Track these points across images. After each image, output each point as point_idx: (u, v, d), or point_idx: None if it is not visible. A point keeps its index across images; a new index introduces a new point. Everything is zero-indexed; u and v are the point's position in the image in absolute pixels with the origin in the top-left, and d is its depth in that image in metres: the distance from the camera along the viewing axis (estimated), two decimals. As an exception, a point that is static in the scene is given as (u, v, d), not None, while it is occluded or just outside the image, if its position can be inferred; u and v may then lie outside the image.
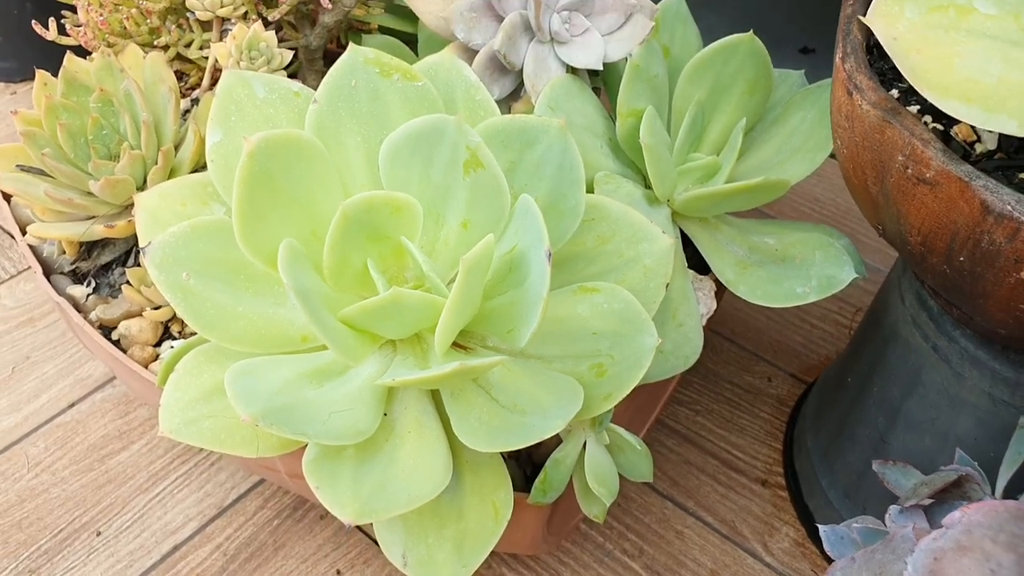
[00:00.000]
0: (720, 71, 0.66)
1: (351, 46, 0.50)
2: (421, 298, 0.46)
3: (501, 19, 0.59)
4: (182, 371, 0.49)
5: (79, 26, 0.65)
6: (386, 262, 0.50)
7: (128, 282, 0.63)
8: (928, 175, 0.49)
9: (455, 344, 0.51)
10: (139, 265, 0.64)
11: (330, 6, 0.62)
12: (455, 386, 0.49)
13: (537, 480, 0.54)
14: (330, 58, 0.69)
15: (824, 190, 1.10)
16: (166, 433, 0.46)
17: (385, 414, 0.49)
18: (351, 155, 0.51)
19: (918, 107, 0.53)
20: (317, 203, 0.49)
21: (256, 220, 0.46)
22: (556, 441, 0.57)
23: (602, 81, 0.66)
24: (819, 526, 0.57)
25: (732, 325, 0.95)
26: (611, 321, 0.51)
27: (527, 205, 0.47)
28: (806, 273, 0.62)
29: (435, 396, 0.51)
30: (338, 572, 0.73)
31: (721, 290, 0.68)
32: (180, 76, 0.82)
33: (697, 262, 0.67)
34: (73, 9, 0.66)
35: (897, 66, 0.44)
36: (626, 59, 0.62)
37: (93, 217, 0.63)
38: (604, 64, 0.61)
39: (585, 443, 0.54)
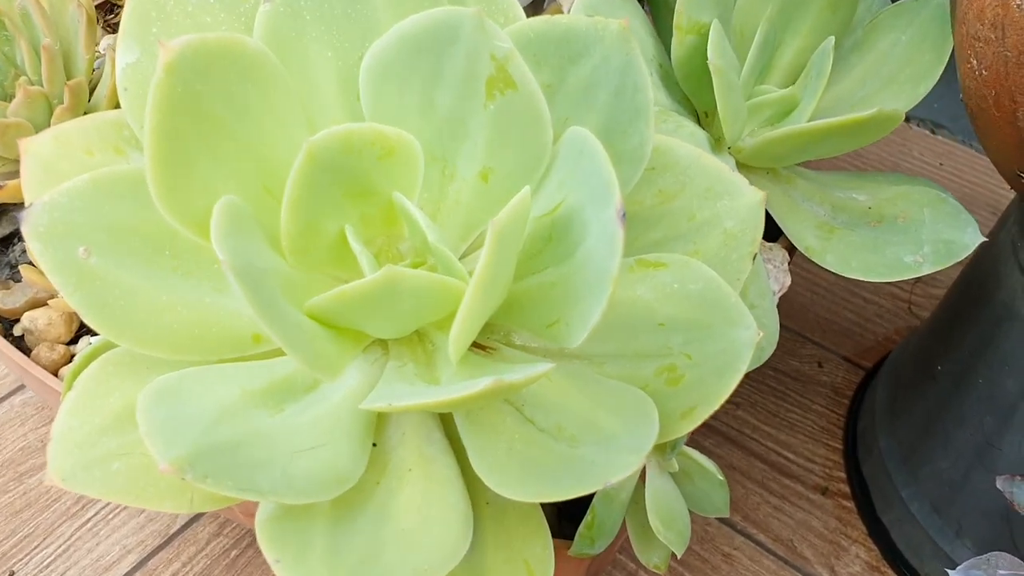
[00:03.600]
0: (795, -20, 0.51)
1: (318, -82, 0.35)
2: (428, 281, 0.31)
3: (519, -98, 0.44)
4: (81, 388, 0.34)
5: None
6: (372, 229, 0.35)
7: (29, 261, 0.48)
8: None
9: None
10: (42, 238, 0.49)
11: None
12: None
13: (583, 524, 0.39)
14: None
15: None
16: (56, 480, 0.32)
17: (374, 444, 0.35)
18: (319, 76, 0.36)
19: (1096, 9, 0.39)
20: (271, 144, 0.34)
21: (179, 166, 0.32)
22: (601, 466, 0.43)
23: (644, -6, 0.52)
24: (950, 573, 0.43)
25: (772, 302, 0.81)
26: (685, 307, 0.37)
27: (582, 141, 0.32)
28: (915, 237, 0.48)
29: (444, 416, 0.37)
30: (314, 616, 0.58)
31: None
32: (110, 7, 0.67)
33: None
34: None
35: None
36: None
37: (-19, 176, 0.48)
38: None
39: (644, 471, 0.40)
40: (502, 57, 0.32)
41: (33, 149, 0.38)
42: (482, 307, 0.31)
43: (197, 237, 0.33)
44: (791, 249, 0.53)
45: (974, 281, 0.58)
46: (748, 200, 0.39)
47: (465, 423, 0.35)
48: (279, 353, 0.36)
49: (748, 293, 0.49)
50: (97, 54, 0.49)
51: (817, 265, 0.52)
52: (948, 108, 0.95)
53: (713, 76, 0.44)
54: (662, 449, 0.39)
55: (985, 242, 0.49)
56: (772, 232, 0.53)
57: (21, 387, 0.71)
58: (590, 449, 0.33)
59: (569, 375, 0.37)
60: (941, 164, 0.94)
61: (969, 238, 0.48)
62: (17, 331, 0.50)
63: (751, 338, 0.35)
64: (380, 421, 0.35)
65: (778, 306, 0.81)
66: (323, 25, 0.36)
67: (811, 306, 0.82)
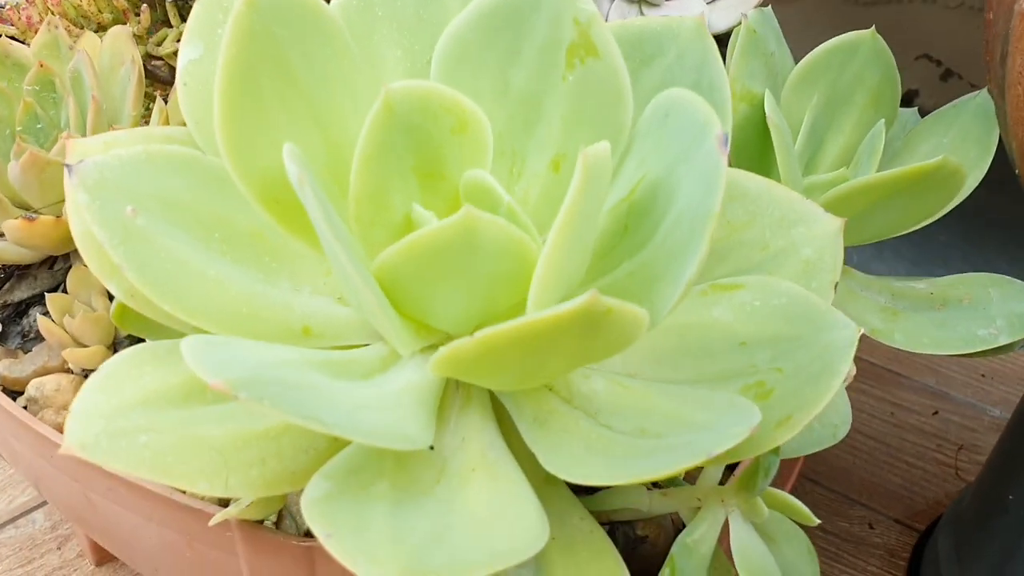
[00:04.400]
0: (836, 78, 0.52)
1: (396, -83, 0.36)
2: (507, 232, 0.29)
3: (575, -25, 0.46)
4: (109, 370, 0.30)
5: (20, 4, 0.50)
6: (435, 211, 0.33)
7: (48, 314, 0.45)
8: None
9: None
10: (66, 291, 0.46)
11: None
12: (537, 386, 0.31)
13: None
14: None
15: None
16: (75, 450, 0.27)
17: (431, 448, 0.31)
18: (388, 73, 0.35)
19: None
20: (339, 113, 0.32)
21: (248, 108, 0.30)
22: (670, 529, 0.39)
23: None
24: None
25: (812, 464, 0.77)
26: (770, 323, 0.34)
27: (669, 103, 0.30)
28: (984, 313, 0.46)
29: (505, 428, 0.33)
30: None
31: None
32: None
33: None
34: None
35: None
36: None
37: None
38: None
39: (727, 524, 0.35)
40: (585, 21, 0.32)
41: (80, 149, 0.36)
42: (567, 254, 0.28)
43: (256, 203, 0.31)
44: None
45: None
46: (826, 228, 0.38)
47: (533, 429, 0.31)
48: (328, 348, 0.32)
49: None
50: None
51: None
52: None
53: (772, 132, 0.44)
54: (748, 485, 0.35)
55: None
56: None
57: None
58: (683, 438, 0.29)
59: (645, 385, 0.33)
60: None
61: (1044, 309, 0.46)
62: (20, 402, 0.46)
63: (850, 337, 0.32)
64: (438, 423, 0.31)
65: (819, 470, 0.78)
66: (394, 23, 0.36)
67: (854, 469, 0.77)
